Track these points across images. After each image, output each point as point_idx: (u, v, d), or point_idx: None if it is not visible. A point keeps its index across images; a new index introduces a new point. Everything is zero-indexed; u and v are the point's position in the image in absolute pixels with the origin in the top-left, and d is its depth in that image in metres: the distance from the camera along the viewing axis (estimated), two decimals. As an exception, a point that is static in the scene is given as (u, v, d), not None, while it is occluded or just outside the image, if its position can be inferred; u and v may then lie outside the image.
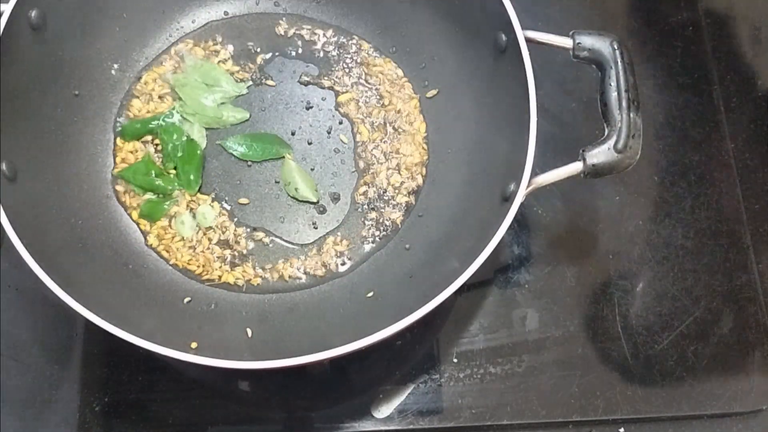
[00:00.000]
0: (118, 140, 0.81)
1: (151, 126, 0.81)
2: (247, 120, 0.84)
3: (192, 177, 0.80)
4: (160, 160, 0.81)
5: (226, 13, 0.88)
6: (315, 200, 0.81)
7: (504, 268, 0.85)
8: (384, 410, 0.78)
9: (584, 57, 0.71)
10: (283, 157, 0.83)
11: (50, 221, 0.72)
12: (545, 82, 0.91)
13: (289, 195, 0.82)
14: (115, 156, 0.81)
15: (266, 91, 0.86)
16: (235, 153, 0.83)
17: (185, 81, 0.83)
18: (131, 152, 0.81)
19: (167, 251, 0.78)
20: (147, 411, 0.78)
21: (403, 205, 0.82)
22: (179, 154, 0.80)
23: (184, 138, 0.81)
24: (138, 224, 0.79)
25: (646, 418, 0.80)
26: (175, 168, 0.81)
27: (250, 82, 0.86)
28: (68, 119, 0.78)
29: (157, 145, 0.81)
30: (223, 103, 0.84)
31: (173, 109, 0.82)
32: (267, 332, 0.74)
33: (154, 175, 0.79)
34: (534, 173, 0.67)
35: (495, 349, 0.81)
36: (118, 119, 0.82)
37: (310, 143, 0.84)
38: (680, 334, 0.83)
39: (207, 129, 0.83)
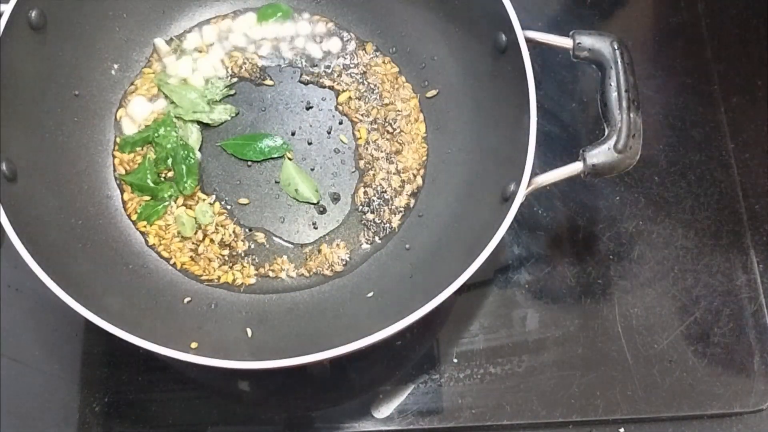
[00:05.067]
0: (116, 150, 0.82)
1: (147, 136, 0.81)
2: (236, 115, 0.84)
3: (188, 180, 0.80)
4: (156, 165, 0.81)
5: (226, 12, 0.88)
6: (315, 201, 0.81)
7: (504, 268, 0.85)
8: (384, 410, 0.78)
9: (584, 57, 0.71)
10: (283, 157, 0.83)
11: (50, 221, 0.72)
12: (545, 82, 0.91)
13: (289, 195, 0.82)
14: (114, 158, 0.81)
15: (266, 91, 0.86)
16: (235, 153, 0.83)
17: (168, 80, 0.84)
18: (130, 155, 0.81)
19: (167, 251, 0.78)
20: (147, 411, 0.78)
21: (403, 205, 0.82)
22: (175, 159, 0.80)
23: (179, 143, 0.81)
24: (137, 225, 0.79)
25: (646, 418, 0.80)
26: (171, 170, 0.81)
27: (236, 80, 0.86)
28: (68, 119, 0.78)
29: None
30: (211, 100, 0.84)
31: (168, 115, 0.82)
32: (267, 332, 0.74)
33: (151, 181, 0.79)
34: (534, 173, 0.67)
35: (495, 349, 0.81)
36: (116, 121, 0.82)
37: (310, 143, 0.84)
38: (680, 334, 0.83)
39: (203, 130, 0.83)
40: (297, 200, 0.82)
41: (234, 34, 0.87)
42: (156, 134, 0.81)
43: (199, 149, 0.83)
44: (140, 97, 0.83)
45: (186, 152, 0.81)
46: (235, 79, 0.86)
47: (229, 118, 0.84)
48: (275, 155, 0.83)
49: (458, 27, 0.80)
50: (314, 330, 0.74)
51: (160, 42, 0.85)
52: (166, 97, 0.84)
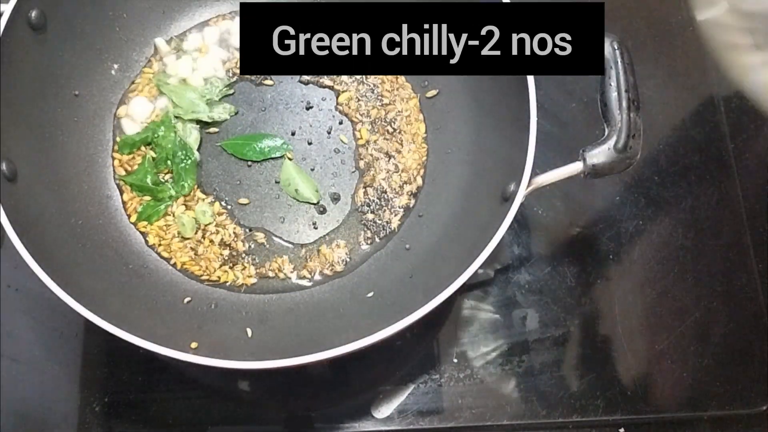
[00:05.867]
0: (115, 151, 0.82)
1: (146, 137, 0.81)
2: (236, 114, 0.84)
3: (186, 180, 0.80)
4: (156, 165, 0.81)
5: (226, 12, 0.88)
6: (315, 201, 0.81)
7: (504, 268, 0.85)
8: (384, 410, 0.78)
9: (584, 57, 0.70)
10: (283, 157, 0.83)
11: (50, 221, 0.72)
12: (545, 82, 0.91)
13: (289, 195, 0.82)
14: (113, 159, 0.81)
15: (266, 91, 0.86)
16: (235, 153, 0.83)
17: (168, 80, 0.84)
18: (129, 156, 0.81)
19: (167, 251, 0.78)
20: (147, 411, 0.78)
21: (403, 205, 0.82)
22: (173, 159, 0.80)
23: (178, 143, 0.81)
24: (137, 225, 0.79)
25: (646, 418, 0.80)
26: (170, 172, 0.81)
27: (236, 79, 0.86)
28: (68, 119, 0.78)
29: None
30: (210, 99, 0.84)
31: (167, 115, 0.82)
32: (267, 332, 0.74)
33: (151, 182, 0.79)
34: (534, 173, 0.67)
35: (495, 349, 0.81)
36: (116, 120, 0.82)
37: (310, 143, 0.84)
38: (680, 334, 0.83)
39: (203, 130, 0.83)
40: (297, 200, 0.82)
41: (234, 35, 0.87)
42: (155, 135, 0.81)
43: (199, 149, 0.83)
44: (140, 97, 0.83)
45: (185, 152, 0.81)
46: (234, 79, 0.86)
47: (228, 117, 0.84)
48: (275, 155, 0.83)
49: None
50: (314, 330, 0.74)
51: (160, 42, 0.85)
52: (169, 99, 0.83)
